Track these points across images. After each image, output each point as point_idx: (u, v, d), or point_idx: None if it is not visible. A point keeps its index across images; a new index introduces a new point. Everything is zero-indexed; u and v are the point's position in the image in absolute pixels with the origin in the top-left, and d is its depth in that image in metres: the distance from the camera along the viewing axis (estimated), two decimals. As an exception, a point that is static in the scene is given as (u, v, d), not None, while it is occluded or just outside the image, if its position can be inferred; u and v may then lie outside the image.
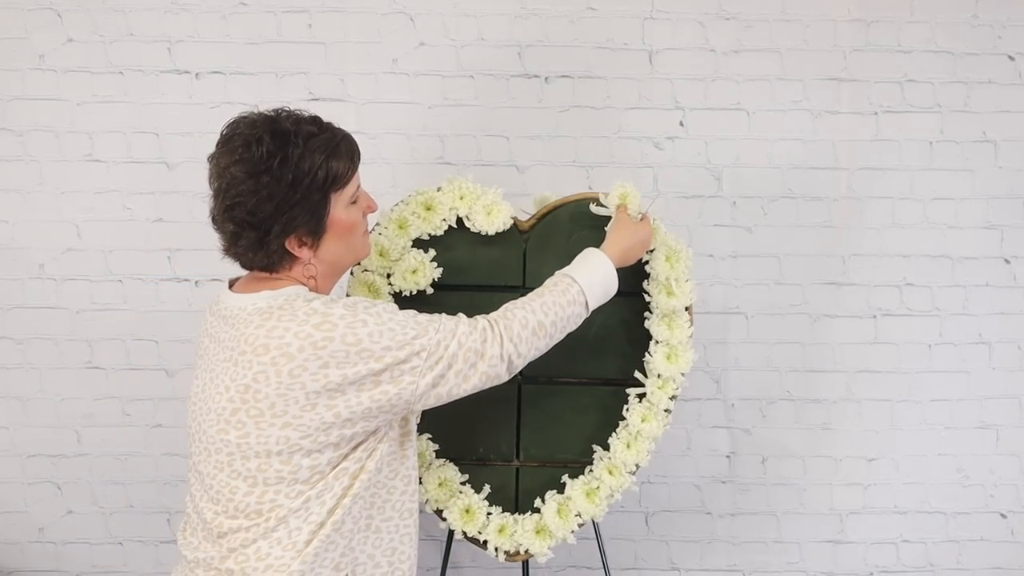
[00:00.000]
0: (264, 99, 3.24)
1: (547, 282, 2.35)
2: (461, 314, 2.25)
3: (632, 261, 2.49)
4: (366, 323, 2.00)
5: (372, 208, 2.24)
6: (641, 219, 2.55)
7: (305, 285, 2.12)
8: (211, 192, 2.07)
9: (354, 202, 2.16)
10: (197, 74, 3.30)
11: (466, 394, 2.19)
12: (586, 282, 2.33)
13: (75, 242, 3.34)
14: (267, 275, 2.12)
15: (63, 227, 3.34)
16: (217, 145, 2.07)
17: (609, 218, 2.65)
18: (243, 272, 2.19)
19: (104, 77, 3.30)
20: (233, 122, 2.08)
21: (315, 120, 2.11)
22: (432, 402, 2.15)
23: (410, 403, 2.10)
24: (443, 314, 2.22)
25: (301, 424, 1.98)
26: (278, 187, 1.99)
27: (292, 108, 2.11)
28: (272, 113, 2.08)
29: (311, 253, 2.10)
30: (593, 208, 2.71)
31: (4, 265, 3.35)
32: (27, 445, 3.44)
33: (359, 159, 2.17)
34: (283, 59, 3.30)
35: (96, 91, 3.30)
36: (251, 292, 2.08)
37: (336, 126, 2.15)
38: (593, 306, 2.36)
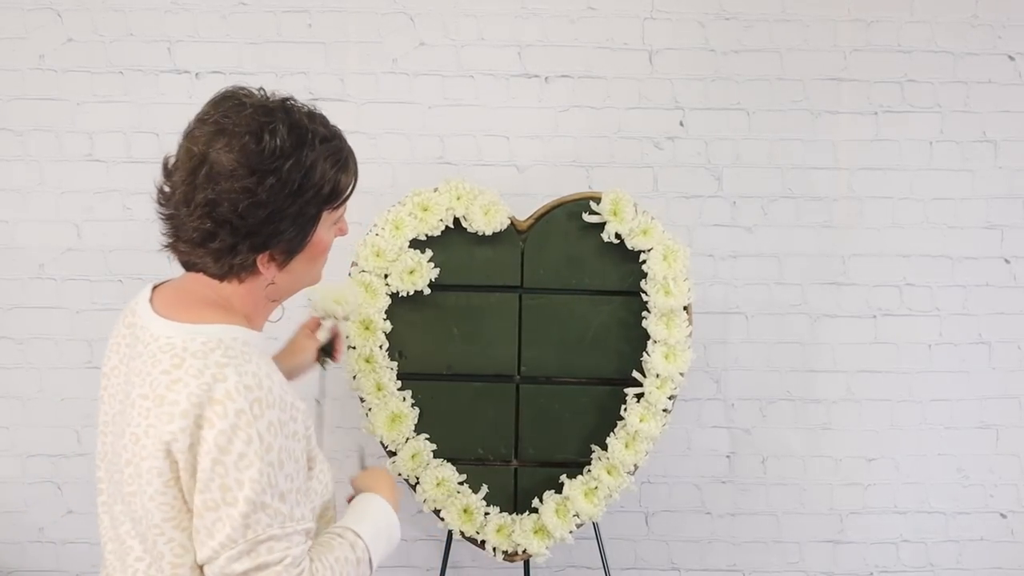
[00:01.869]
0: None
1: (333, 533, 1.81)
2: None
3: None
4: (252, 464, 1.57)
5: (344, 231, 1.90)
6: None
7: (246, 318, 1.76)
8: (174, 172, 1.69)
9: (335, 223, 1.84)
10: (197, 74, 3.30)
11: None
12: (372, 539, 1.85)
13: (75, 242, 3.35)
14: (207, 287, 1.75)
15: (63, 227, 3.34)
16: (203, 121, 1.68)
17: (602, 225, 2.66)
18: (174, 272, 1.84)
19: (104, 77, 3.30)
20: (228, 96, 1.70)
21: (324, 120, 1.76)
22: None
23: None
24: (305, 535, 1.67)
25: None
26: (280, 193, 1.63)
27: (294, 97, 1.75)
28: (282, 100, 1.72)
29: (275, 272, 1.73)
30: (586, 216, 2.72)
31: (4, 265, 3.35)
32: (27, 445, 3.44)
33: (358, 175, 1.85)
34: (283, 59, 3.30)
35: (96, 91, 3.30)
36: (175, 318, 1.70)
37: (340, 131, 1.80)
38: (376, 563, 1.85)
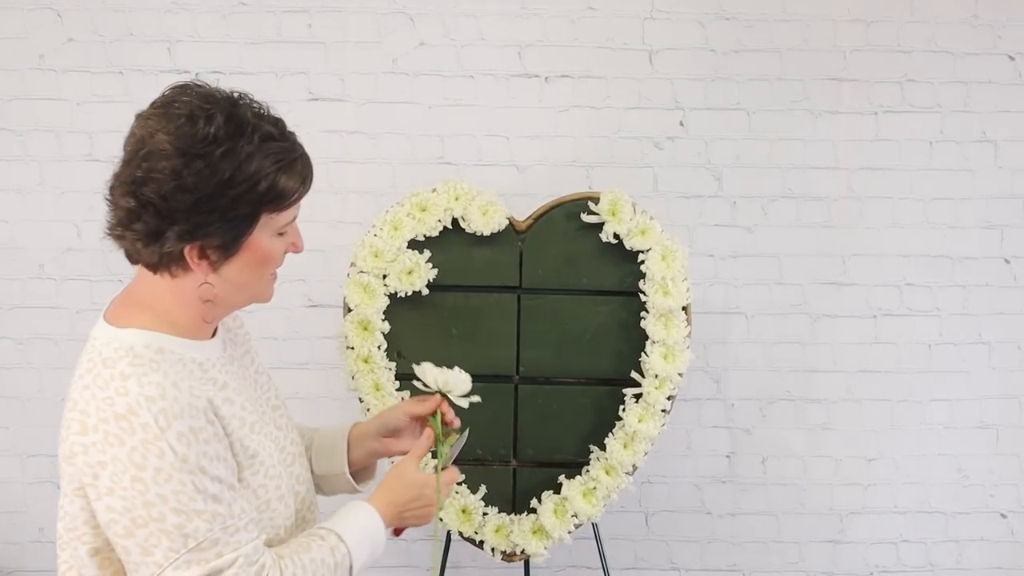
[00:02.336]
0: (264, 99, 3.24)
1: (315, 534, 1.78)
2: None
3: (410, 525, 1.97)
4: (142, 479, 1.54)
5: (297, 248, 1.79)
6: (442, 469, 2.01)
7: (171, 319, 1.69)
8: (122, 154, 1.65)
9: (282, 234, 1.73)
10: (197, 74, 3.27)
11: None
12: (355, 544, 1.81)
13: (75, 242, 3.35)
14: (143, 283, 1.72)
15: (63, 227, 3.35)
16: (152, 104, 1.67)
17: (600, 225, 2.66)
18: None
19: (104, 77, 3.30)
20: (181, 86, 1.67)
21: (277, 122, 1.70)
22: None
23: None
24: (254, 526, 1.67)
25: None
26: (208, 181, 1.57)
27: (255, 98, 1.71)
28: (234, 94, 1.68)
29: (209, 271, 1.65)
30: (584, 217, 2.72)
31: (4, 265, 3.36)
32: (27, 445, 3.44)
33: (311, 185, 1.74)
34: (283, 59, 3.30)
35: (96, 91, 3.30)
36: (113, 320, 1.71)
37: (297, 138, 1.73)
38: (357, 571, 1.81)
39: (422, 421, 2.07)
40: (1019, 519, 3.55)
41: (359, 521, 1.84)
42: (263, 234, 1.67)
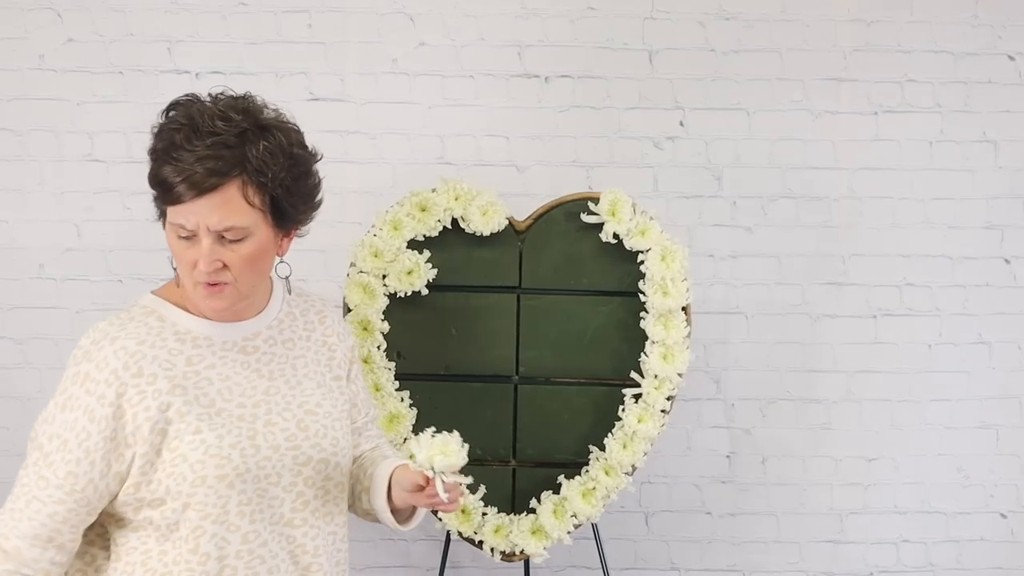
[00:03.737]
0: (264, 99, 3.24)
1: None
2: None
3: None
4: (53, 418, 1.84)
5: (200, 269, 1.78)
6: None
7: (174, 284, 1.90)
8: None
9: (184, 238, 1.78)
10: (197, 74, 3.30)
11: None
12: None
13: (75, 242, 3.35)
14: None
15: (63, 227, 3.34)
16: None
17: (600, 225, 2.66)
18: None
19: (104, 77, 3.30)
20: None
21: (227, 118, 1.77)
22: None
23: None
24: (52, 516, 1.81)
25: None
26: (150, 151, 1.81)
27: (239, 102, 1.83)
28: (218, 95, 1.83)
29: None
30: (584, 217, 2.72)
31: (4, 265, 3.36)
32: (27, 445, 3.44)
33: (193, 194, 1.73)
34: (283, 59, 3.30)
35: (96, 91, 3.30)
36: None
37: (220, 155, 1.74)
38: None
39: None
40: (1019, 519, 3.55)
41: None
42: (167, 223, 1.81)
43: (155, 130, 1.80)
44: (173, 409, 1.78)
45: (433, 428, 1.85)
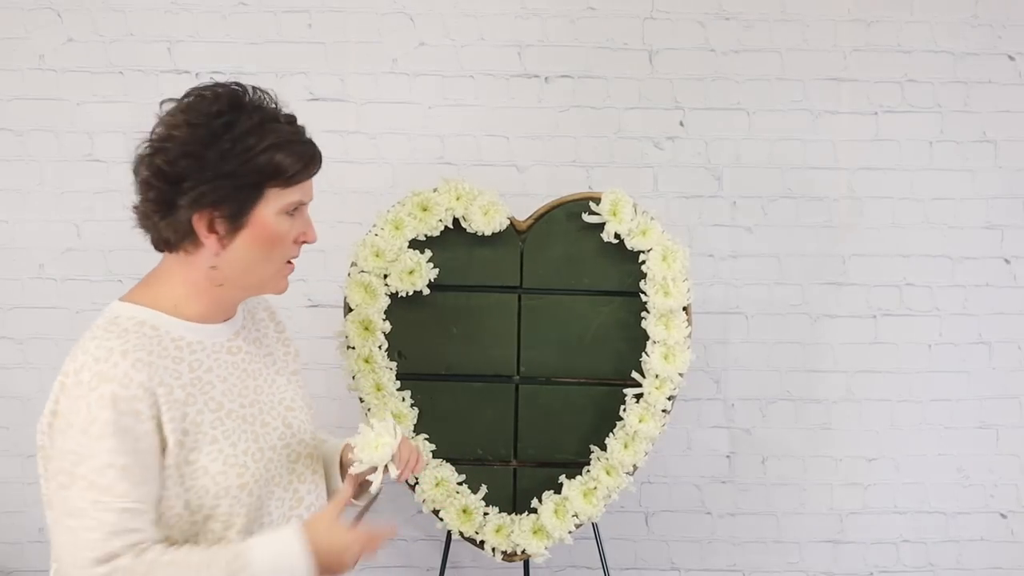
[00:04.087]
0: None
1: (220, 556, 1.71)
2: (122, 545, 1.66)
3: (331, 573, 1.83)
4: (69, 433, 1.66)
5: (308, 238, 1.89)
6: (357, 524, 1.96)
7: (176, 296, 1.82)
8: None
9: (290, 214, 1.83)
10: (197, 74, 3.30)
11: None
12: (259, 563, 1.73)
13: (75, 242, 3.35)
14: (159, 267, 1.86)
15: (63, 227, 3.34)
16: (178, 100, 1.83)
17: (601, 225, 2.66)
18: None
19: (104, 77, 3.30)
20: (204, 84, 1.84)
21: (290, 118, 1.84)
22: None
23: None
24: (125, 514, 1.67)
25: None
26: (210, 149, 1.72)
27: (274, 96, 1.86)
28: (248, 86, 1.83)
29: (219, 246, 1.77)
30: (585, 217, 2.72)
31: (4, 265, 3.36)
32: (27, 445, 3.42)
33: (314, 171, 1.85)
34: (283, 59, 3.30)
35: (96, 91, 3.30)
36: (121, 298, 1.84)
37: (308, 135, 1.86)
38: None
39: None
40: (1019, 519, 3.55)
41: (274, 545, 1.76)
42: (268, 210, 1.77)
43: (237, 129, 1.75)
44: (188, 419, 1.75)
45: (362, 426, 1.93)
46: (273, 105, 1.82)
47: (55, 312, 3.38)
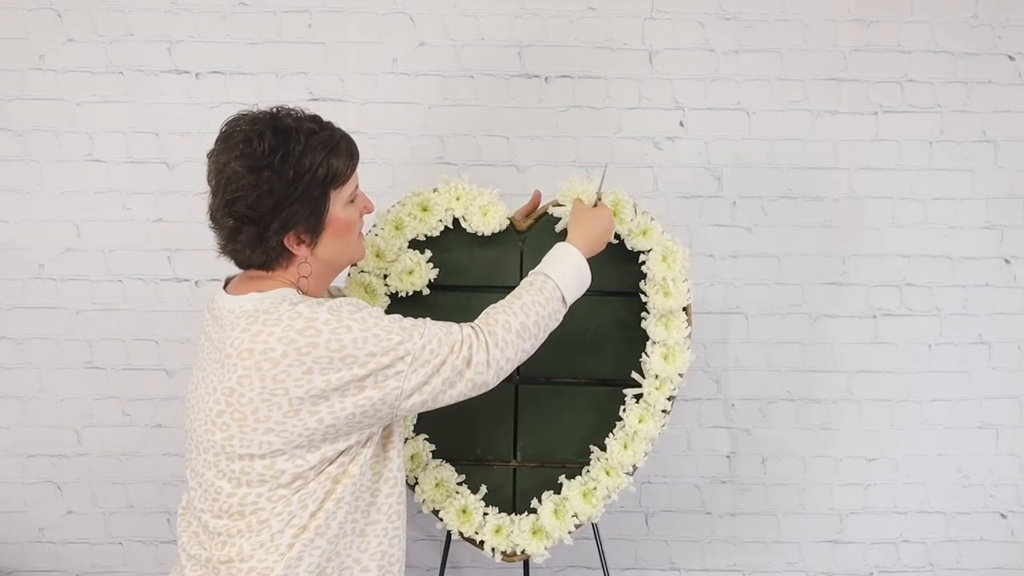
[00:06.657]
0: (264, 99, 3.23)
1: (523, 283, 2.33)
2: (449, 322, 2.19)
3: (600, 248, 2.48)
4: (350, 328, 2.00)
5: (369, 209, 2.25)
6: (597, 204, 2.56)
7: (296, 287, 2.12)
8: (209, 189, 2.08)
9: (352, 201, 2.16)
10: (197, 74, 3.30)
11: (452, 401, 2.17)
12: (560, 277, 2.31)
13: (75, 242, 3.35)
14: (261, 274, 2.11)
15: (63, 227, 3.34)
16: (216, 142, 2.07)
17: None
18: (238, 270, 2.19)
19: (104, 77, 3.30)
20: (233, 119, 2.09)
21: (315, 118, 2.12)
22: (418, 408, 2.13)
23: (394, 408, 2.08)
24: (428, 319, 2.18)
25: (284, 430, 1.98)
26: (279, 182, 2.00)
27: (291, 106, 2.13)
28: (273, 110, 2.09)
29: (308, 251, 2.10)
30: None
31: (4, 265, 3.36)
32: (27, 445, 3.45)
33: (358, 158, 2.17)
34: (283, 59, 3.30)
35: (96, 91, 3.30)
36: (241, 294, 2.08)
37: (335, 125, 2.16)
38: (570, 300, 2.34)
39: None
40: (1019, 519, 3.55)
41: (559, 258, 2.37)
42: (337, 207, 2.11)
43: (292, 156, 2.03)
44: None
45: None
46: (300, 116, 2.10)
47: (55, 312, 3.38)
